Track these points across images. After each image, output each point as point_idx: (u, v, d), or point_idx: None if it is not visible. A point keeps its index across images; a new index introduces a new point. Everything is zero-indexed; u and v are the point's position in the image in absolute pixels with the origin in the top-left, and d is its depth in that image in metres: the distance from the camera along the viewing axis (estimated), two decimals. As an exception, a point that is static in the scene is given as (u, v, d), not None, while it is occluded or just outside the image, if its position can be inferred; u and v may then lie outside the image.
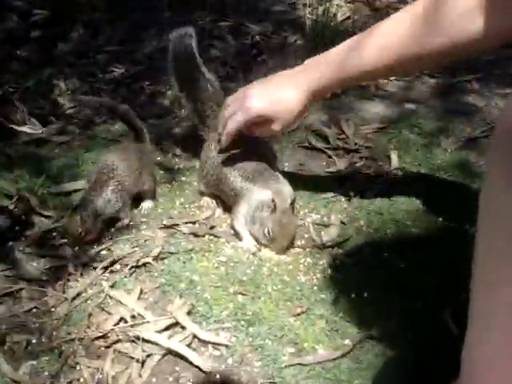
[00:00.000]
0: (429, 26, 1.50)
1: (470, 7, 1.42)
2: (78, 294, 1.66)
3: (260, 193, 1.79)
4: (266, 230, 1.76)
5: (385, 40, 1.58)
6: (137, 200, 1.96)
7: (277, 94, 1.73)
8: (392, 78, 2.62)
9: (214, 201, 1.99)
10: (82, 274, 1.73)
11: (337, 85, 1.74)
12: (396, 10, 3.25)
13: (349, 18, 3.06)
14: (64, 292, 1.67)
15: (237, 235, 1.85)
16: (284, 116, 1.75)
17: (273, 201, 1.74)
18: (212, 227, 1.89)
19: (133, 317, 1.59)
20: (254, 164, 1.86)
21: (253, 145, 1.89)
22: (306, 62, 1.76)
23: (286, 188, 1.82)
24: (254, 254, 1.79)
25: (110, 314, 1.61)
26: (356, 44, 1.65)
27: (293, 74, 1.76)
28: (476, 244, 1.05)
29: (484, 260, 1.02)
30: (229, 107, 1.83)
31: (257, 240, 1.82)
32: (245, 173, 1.84)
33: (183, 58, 2.00)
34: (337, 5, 3.05)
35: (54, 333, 1.56)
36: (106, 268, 1.73)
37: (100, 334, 1.55)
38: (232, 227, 1.86)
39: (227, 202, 1.93)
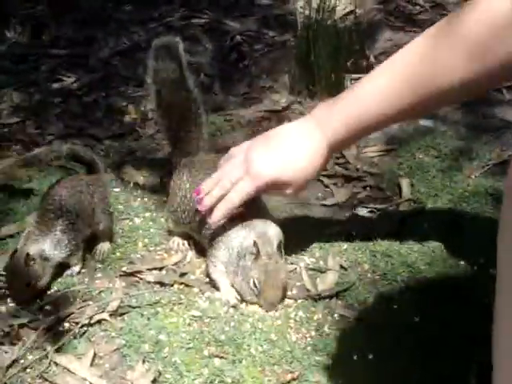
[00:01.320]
0: (446, 49, 1.57)
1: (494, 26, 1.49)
2: (15, 361, 1.67)
3: (240, 235, 1.84)
4: (251, 283, 1.80)
5: (402, 76, 1.65)
6: (90, 242, 2.00)
7: (288, 155, 1.77)
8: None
9: (185, 242, 2.03)
10: (19, 336, 1.74)
11: (358, 135, 1.78)
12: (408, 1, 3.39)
13: (351, 12, 3.10)
14: (-5, 359, 1.70)
15: (213, 284, 1.89)
16: (299, 179, 1.79)
17: (255, 244, 1.79)
18: (182, 274, 1.93)
19: (84, 388, 1.62)
20: None
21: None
22: (317, 108, 1.79)
23: (273, 228, 1.87)
24: (234, 306, 1.83)
25: (55, 385, 1.63)
26: (371, 82, 1.71)
27: (304, 128, 1.79)
28: (496, 300, 1.10)
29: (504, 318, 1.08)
30: (230, 172, 1.83)
31: (241, 296, 1.84)
32: None
33: (168, 69, 2.06)
34: (336, -4, 3.11)
35: (-16, 412, 1.58)
36: (50, 328, 1.75)
37: (42, 412, 1.58)
38: (208, 275, 1.91)
39: (202, 243, 1.97)
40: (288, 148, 1.78)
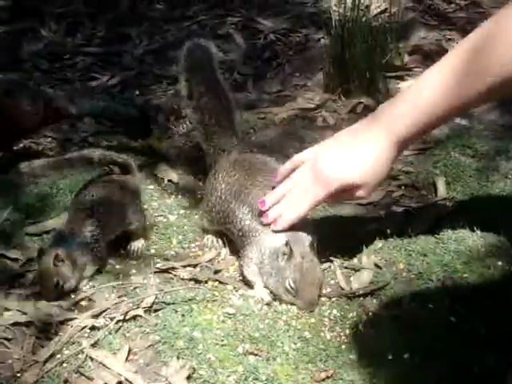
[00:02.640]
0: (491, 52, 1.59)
1: None
2: (52, 356, 1.70)
3: (272, 238, 1.84)
4: (287, 283, 1.80)
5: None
6: (124, 239, 2.03)
7: (357, 158, 1.76)
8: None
9: (219, 239, 2.05)
10: (56, 331, 1.76)
11: (425, 128, 1.76)
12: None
13: (385, 10, 3.10)
14: (34, 353, 1.71)
15: (247, 282, 1.90)
16: (370, 181, 1.78)
17: (287, 244, 1.79)
18: (217, 271, 1.95)
19: (119, 383, 1.63)
20: None
21: (267, 171, 1.96)
22: (379, 108, 1.79)
23: (305, 230, 1.86)
24: (268, 304, 1.84)
25: (90, 379, 1.65)
26: (429, 79, 1.71)
27: (368, 128, 1.78)
28: None
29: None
30: (300, 181, 1.83)
31: (276, 297, 1.84)
32: (257, 211, 1.89)
33: (199, 60, 2.11)
34: (370, -6, 3.11)
35: (22, 404, 1.60)
36: (85, 323, 1.76)
37: (79, 405, 1.60)
38: (241, 275, 1.92)
39: (235, 242, 1.98)
40: (357, 151, 1.76)
